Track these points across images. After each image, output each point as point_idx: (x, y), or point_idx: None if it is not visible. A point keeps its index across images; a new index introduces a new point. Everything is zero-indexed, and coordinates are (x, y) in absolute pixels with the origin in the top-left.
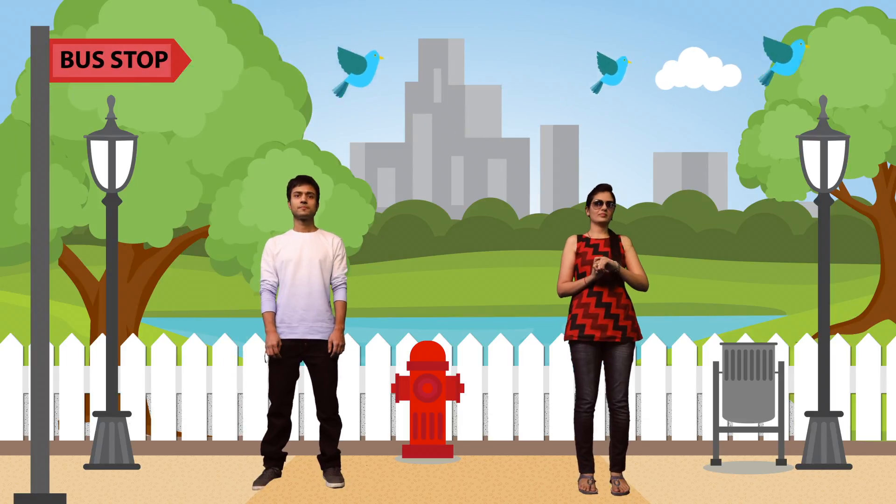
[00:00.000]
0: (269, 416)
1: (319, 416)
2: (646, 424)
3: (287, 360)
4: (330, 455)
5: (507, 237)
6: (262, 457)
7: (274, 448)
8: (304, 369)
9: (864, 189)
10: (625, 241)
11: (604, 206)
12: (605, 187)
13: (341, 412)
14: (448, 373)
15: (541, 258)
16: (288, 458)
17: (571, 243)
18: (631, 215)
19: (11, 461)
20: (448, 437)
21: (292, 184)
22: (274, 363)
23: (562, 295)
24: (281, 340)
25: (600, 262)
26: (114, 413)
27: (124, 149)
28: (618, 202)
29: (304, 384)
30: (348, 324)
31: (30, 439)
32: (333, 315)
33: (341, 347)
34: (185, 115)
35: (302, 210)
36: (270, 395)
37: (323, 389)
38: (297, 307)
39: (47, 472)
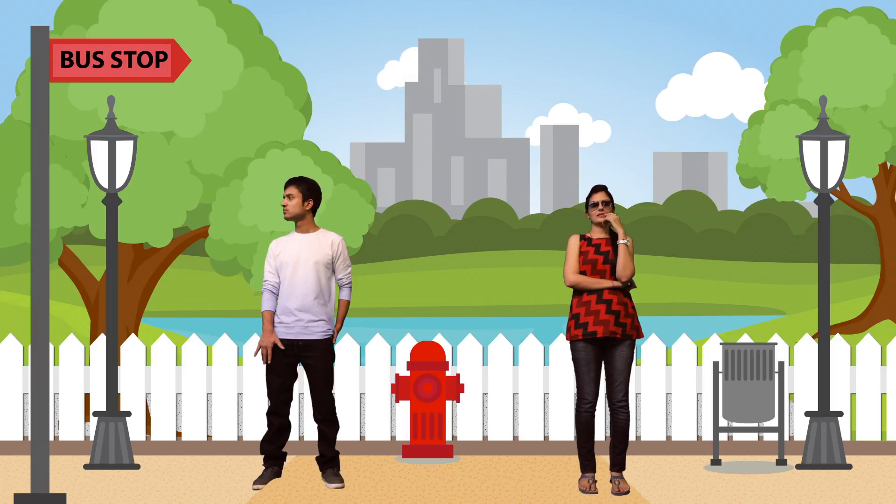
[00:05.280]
0: (268, 415)
1: (316, 417)
2: (646, 424)
3: (283, 359)
4: (329, 457)
5: (507, 237)
6: (262, 456)
7: (273, 447)
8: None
9: (864, 189)
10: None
11: (599, 207)
12: (599, 188)
13: (341, 412)
14: (448, 373)
15: (541, 258)
16: (288, 458)
17: (574, 240)
18: (631, 215)
19: (11, 461)
20: (448, 437)
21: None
22: (269, 362)
23: (571, 285)
24: (275, 341)
25: (611, 217)
26: (114, 413)
27: (124, 149)
28: (618, 202)
29: (305, 385)
30: (347, 324)
31: (30, 439)
32: (333, 314)
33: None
34: (185, 115)
35: (284, 213)
36: (268, 395)
37: (318, 390)
38: (292, 308)
39: (47, 472)
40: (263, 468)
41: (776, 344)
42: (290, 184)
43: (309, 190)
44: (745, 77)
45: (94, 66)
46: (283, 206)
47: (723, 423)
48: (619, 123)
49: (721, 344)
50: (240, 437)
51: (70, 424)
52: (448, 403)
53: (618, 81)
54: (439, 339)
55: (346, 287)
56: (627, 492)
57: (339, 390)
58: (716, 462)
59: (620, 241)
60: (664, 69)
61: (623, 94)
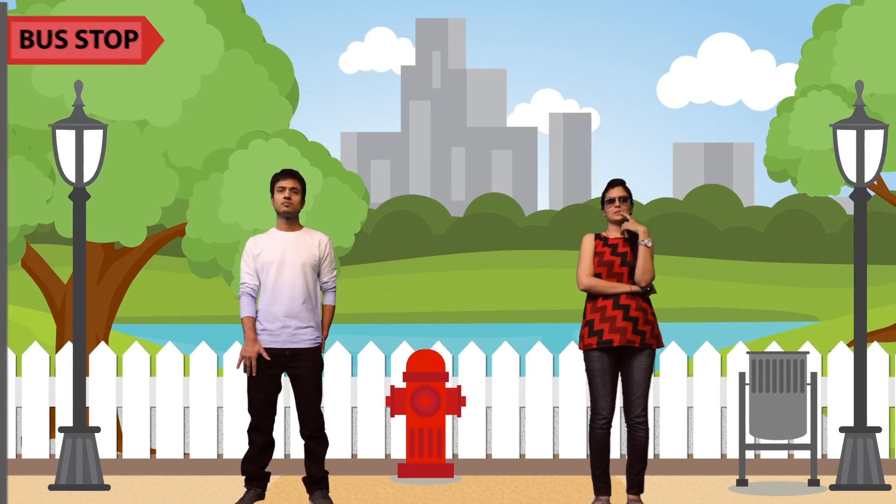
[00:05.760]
0: (249, 431)
1: (303, 433)
2: (665, 441)
3: (267, 370)
4: (317, 477)
5: (513, 236)
6: (244, 477)
7: (255, 467)
8: (288, 382)
9: None
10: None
11: (616, 203)
12: (616, 182)
13: (331, 427)
14: (448, 384)
15: (549, 259)
16: (272, 478)
17: (589, 240)
18: (649, 212)
19: None
20: (448, 455)
21: (276, 178)
22: (254, 374)
23: (585, 288)
24: (259, 351)
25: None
26: (81, 429)
27: (93, 139)
28: (635, 198)
29: (290, 398)
30: (338, 331)
31: None
32: (320, 321)
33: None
34: (159, 102)
35: (285, 206)
36: (250, 409)
37: (306, 404)
38: (278, 313)
39: (5, 494)
40: (245, 490)
41: (808, 353)
42: (291, 176)
43: (303, 184)
44: (754, 60)
45: (57, 47)
46: (287, 198)
47: (749, 439)
48: (621, 109)
49: (748, 353)
50: (219, 456)
51: (33, 441)
52: (448, 418)
53: (617, 64)
54: (438, 347)
55: (331, 291)
56: None
57: (328, 404)
58: (742, 482)
59: (642, 242)
60: (666, 51)
61: (622, 78)
